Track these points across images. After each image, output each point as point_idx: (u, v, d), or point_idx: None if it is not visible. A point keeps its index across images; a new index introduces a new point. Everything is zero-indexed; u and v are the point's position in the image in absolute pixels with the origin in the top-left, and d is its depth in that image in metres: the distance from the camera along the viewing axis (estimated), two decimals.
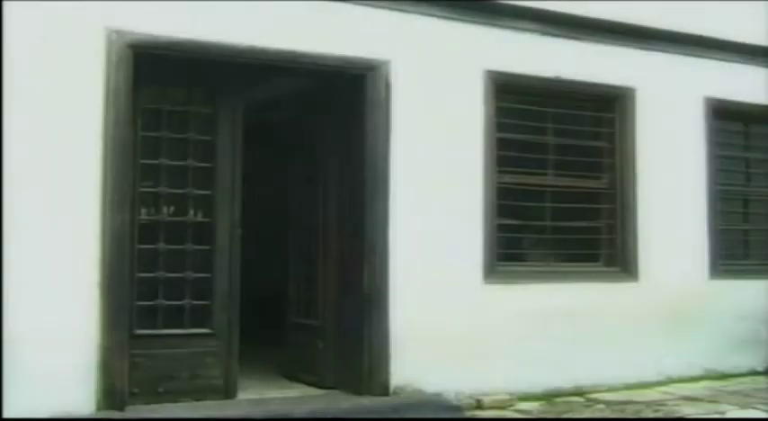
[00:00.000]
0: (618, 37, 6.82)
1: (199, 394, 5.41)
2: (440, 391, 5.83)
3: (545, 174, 6.67)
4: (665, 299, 6.82)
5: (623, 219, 6.84)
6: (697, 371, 6.98)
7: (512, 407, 5.94)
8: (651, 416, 5.78)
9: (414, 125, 5.96)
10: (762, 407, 6.00)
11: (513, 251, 6.63)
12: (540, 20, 6.49)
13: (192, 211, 5.57)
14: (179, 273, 5.47)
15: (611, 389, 6.48)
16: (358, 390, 5.68)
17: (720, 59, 7.30)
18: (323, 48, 5.66)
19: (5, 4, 4.81)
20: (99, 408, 4.96)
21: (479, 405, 5.88)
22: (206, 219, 5.57)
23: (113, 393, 5.00)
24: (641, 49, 6.95)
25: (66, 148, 4.97)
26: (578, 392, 6.36)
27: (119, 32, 5.10)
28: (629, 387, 6.56)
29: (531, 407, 5.99)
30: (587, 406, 6.07)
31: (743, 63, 7.40)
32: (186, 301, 5.48)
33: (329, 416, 5.31)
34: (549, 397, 6.21)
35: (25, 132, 4.84)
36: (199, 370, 5.44)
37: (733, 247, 7.58)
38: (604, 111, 6.94)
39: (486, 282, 6.18)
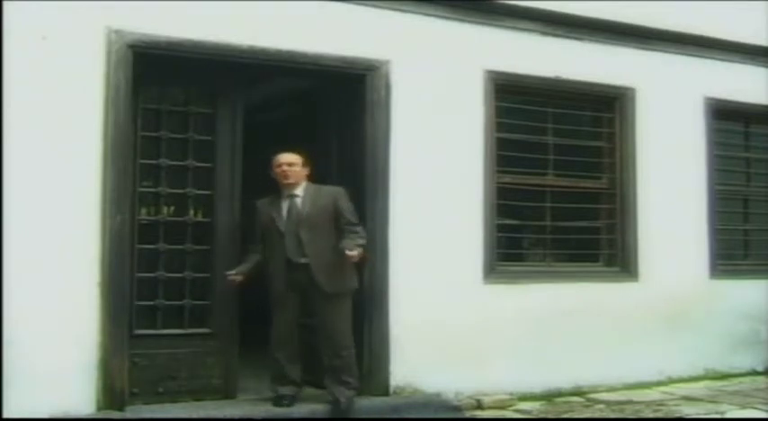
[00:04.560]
0: (618, 37, 6.82)
1: (199, 394, 5.41)
2: (440, 391, 5.83)
3: (545, 174, 6.67)
4: (665, 299, 6.82)
5: (623, 219, 6.84)
6: (697, 371, 6.98)
7: (512, 407, 5.95)
8: (651, 416, 5.79)
9: (414, 125, 5.96)
10: (762, 407, 6.00)
11: (513, 251, 6.63)
12: (540, 20, 6.49)
13: (191, 211, 5.57)
14: (179, 273, 5.47)
15: (611, 389, 6.48)
16: (358, 391, 5.68)
17: (720, 59, 7.30)
18: (323, 48, 5.67)
19: (5, 4, 4.81)
20: (99, 408, 4.96)
21: (479, 405, 5.88)
22: (206, 219, 5.57)
23: (113, 393, 5.01)
24: (641, 49, 6.95)
25: (67, 148, 4.97)
26: (578, 392, 6.37)
27: (119, 32, 5.10)
28: (629, 387, 6.55)
29: (531, 407, 5.99)
30: (587, 406, 6.07)
31: (743, 63, 7.40)
32: (186, 301, 5.48)
33: (329, 417, 5.31)
34: (549, 397, 6.21)
35: (25, 132, 4.84)
36: (199, 370, 5.44)
37: (733, 247, 7.57)
38: (604, 111, 6.94)
39: (486, 282, 6.18)
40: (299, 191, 5.46)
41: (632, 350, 6.62)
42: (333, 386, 5.37)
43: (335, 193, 5.50)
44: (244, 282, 5.43)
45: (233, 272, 5.36)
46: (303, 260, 5.32)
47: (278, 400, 5.34)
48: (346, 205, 5.46)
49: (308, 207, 5.40)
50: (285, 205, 5.44)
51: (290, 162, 5.45)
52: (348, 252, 5.15)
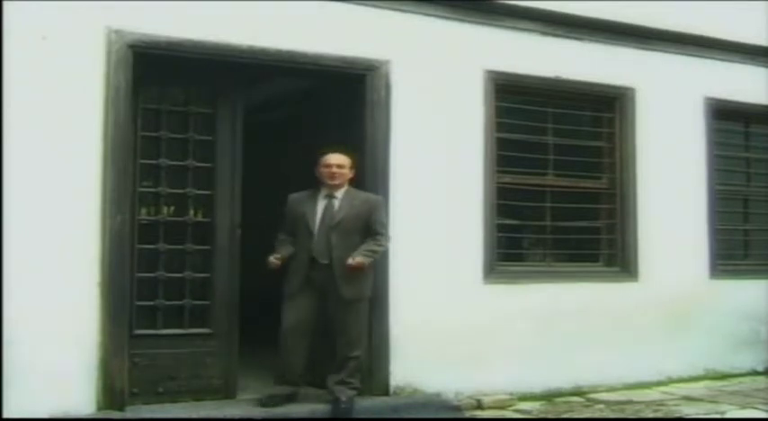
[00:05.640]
0: (618, 37, 6.82)
1: (199, 394, 5.41)
2: (440, 391, 5.84)
3: (545, 174, 6.67)
4: (665, 299, 6.82)
5: (623, 219, 6.84)
6: (697, 371, 6.99)
7: (512, 407, 5.95)
8: (651, 416, 5.79)
9: (414, 125, 5.96)
10: (762, 407, 6.00)
11: (513, 251, 6.63)
12: (540, 20, 6.49)
13: (191, 211, 5.56)
14: (179, 273, 5.47)
15: (611, 389, 6.48)
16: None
17: (720, 59, 7.30)
18: (323, 48, 5.67)
19: (5, 4, 4.81)
20: (99, 408, 4.96)
21: (479, 405, 5.88)
22: (206, 219, 5.57)
23: (113, 393, 5.01)
24: (641, 49, 6.95)
25: (67, 148, 4.97)
26: (578, 392, 6.37)
27: (119, 32, 5.10)
28: (629, 387, 6.56)
29: (531, 407, 5.99)
30: (587, 406, 6.07)
31: (743, 63, 7.40)
32: (186, 301, 5.48)
33: (329, 417, 5.31)
34: (549, 397, 6.21)
35: (25, 132, 4.84)
36: (199, 370, 5.44)
37: (733, 247, 7.57)
38: (604, 111, 6.94)
39: (486, 282, 6.18)
40: (339, 193, 5.45)
41: (632, 350, 6.62)
42: (335, 386, 5.37)
43: (373, 202, 5.49)
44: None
45: (275, 256, 5.33)
46: (326, 261, 5.30)
47: (264, 400, 5.32)
48: (379, 215, 5.46)
49: (344, 211, 5.38)
50: (321, 205, 5.42)
51: (341, 163, 5.44)
52: (348, 262, 5.18)
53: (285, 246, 5.43)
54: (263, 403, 5.31)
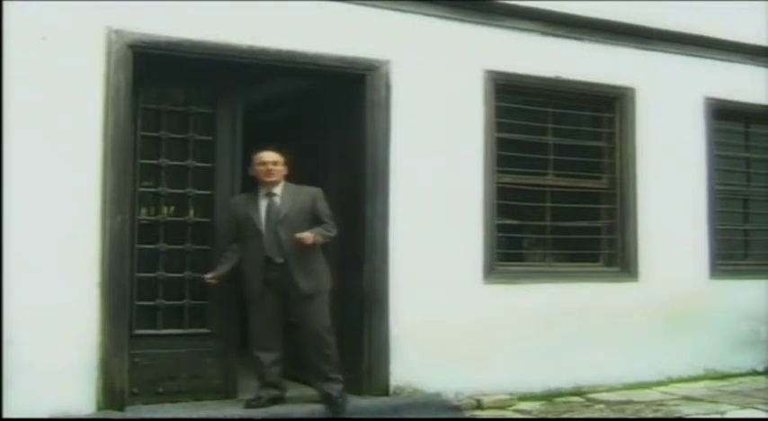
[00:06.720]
0: (618, 37, 6.82)
1: (199, 394, 5.42)
2: (440, 391, 5.84)
3: (545, 174, 6.67)
4: (665, 299, 6.82)
5: (623, 219, 6.84)
6: (697, 371, 6.99)
7: (512, 407, 5.95)
8: (651, 416, 5.79)
9: (414, 125, 5.96)
10: (762, 407, 6.00)
11: (513, 251, 6.63)
12: (540, 20, 6.49)
13: (191, 211, 5.57)
14: (179, 273, 5.47)
15: (611, 389, 6.48)
16: (358, 391, 5.68)
17: (720, 59, 7.30)
18: (323, 48, 5.67)
19: (5, 4, 4.81)
20: (99, 408, 4.97)
21: (479, 405, 5.88)
22: (206, 219, 5.57)
23: (113, 393, 5.01)
24: (641, 49, 6.95)
25: (67, 148, 4.97)
26: (578, 392, 6.37)
27: (119, 32, 5.10)
28: (629, 387, 6.56)
29: (531, 407, 5.99)
30: (587, 406, 6.07)
31: (743, 63, 7.40)
32: (186, 301, 5.48)
33: (329, 417, 5.31)
34: (549, 397, 6.22)
35: (25, 132, 4.84)
36: (198, 370, 5.45)
37: (733, 247, 7.58)
38: (604, 111, 6.94)
39: (486, 282, 6.18)
40: (278, 189, 5.45)
41: (632, 350, 6.62)
42: (322, 384, 5.40)
43: (314, 194, 5.51)
44: (223, 282, 5.40)
45: (210, 274, 5.36)
46: (281, 259, 5.30)
47: (249, 402, 5.32)
48: (323, 206, 5.49)
49: (287, 206, 5.40)
50: (264, 203, 5.42)
51: (275, 160, 5.46)
52: (297, 235, 5.20)
53: (226, 260, 5.40)
54: (247, 404, 5.31)
